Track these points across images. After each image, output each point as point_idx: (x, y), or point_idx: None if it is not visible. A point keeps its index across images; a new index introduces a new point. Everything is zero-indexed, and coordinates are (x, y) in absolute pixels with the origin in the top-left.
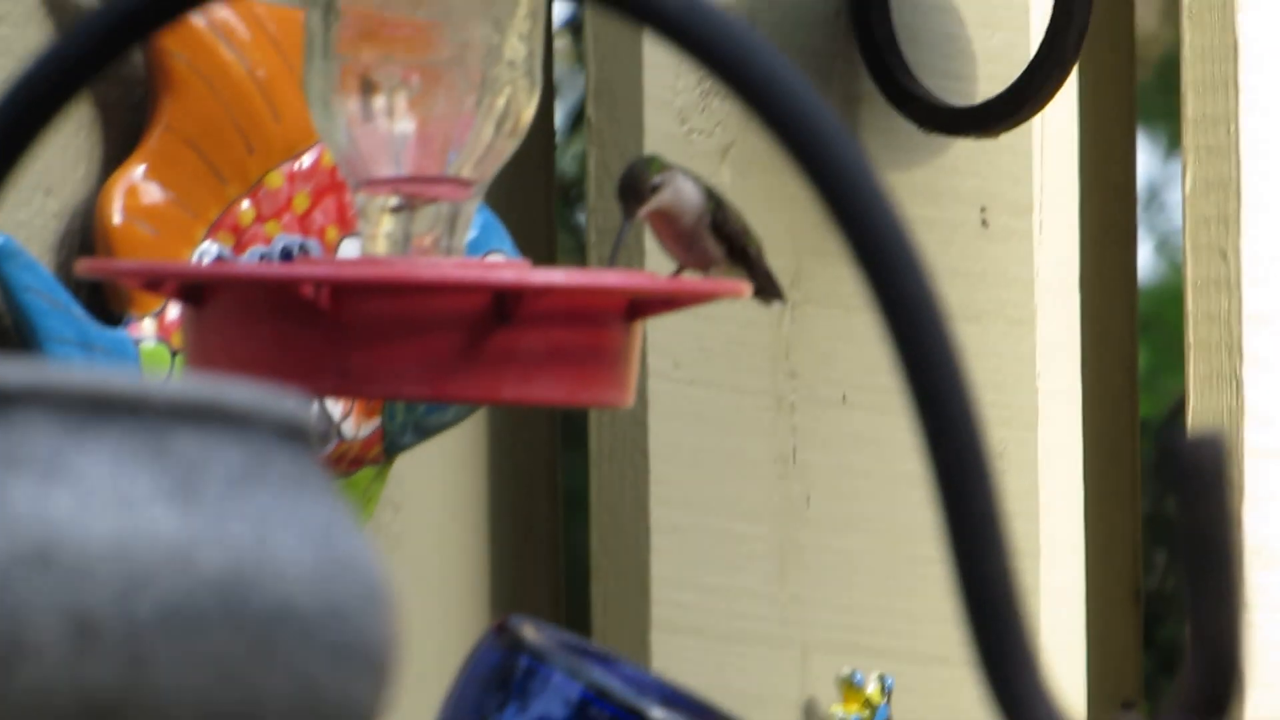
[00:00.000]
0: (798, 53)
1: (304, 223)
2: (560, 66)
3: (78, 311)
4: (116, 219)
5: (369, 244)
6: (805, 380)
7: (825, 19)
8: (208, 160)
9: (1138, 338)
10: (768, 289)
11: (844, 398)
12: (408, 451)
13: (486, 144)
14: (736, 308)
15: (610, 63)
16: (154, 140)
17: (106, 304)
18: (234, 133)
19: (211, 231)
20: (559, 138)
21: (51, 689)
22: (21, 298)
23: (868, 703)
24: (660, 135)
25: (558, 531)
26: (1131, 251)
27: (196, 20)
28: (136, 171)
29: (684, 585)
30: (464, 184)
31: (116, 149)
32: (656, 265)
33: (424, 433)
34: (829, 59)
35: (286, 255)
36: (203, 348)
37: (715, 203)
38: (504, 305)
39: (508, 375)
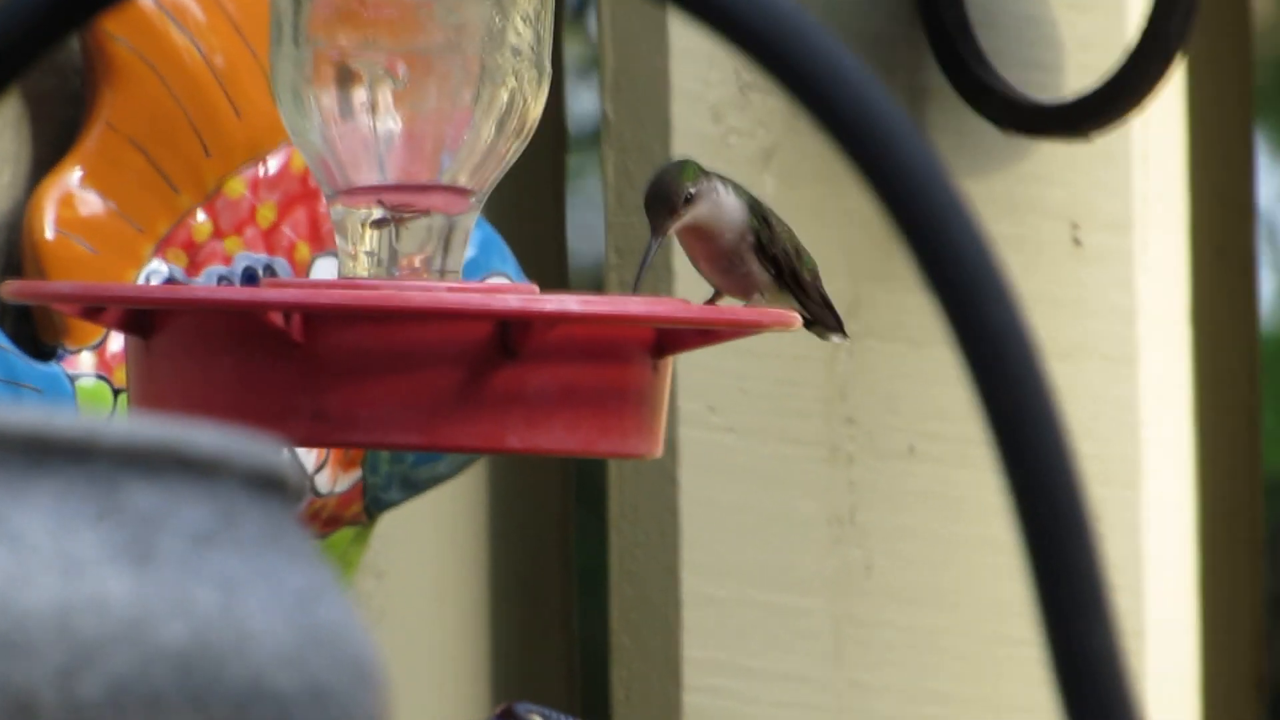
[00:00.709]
0: (855, 40)
1: (270, 238)
2: (573, 54)
3: (2, 343)
4: (48, 233)
5: (348, 264)
6: (865, 427)
7: (887, 1)
8: (156, 164)
9: (1259, 379)
10: (823, 320)
11: (910, 448)
12: (393, 510)
13: (486, 146)
14: (784, 343)
15: (630, 50)
16: (93, 140)
17: (37, 334)
18: (187, 131)
19: (161, 248)
20: (572, 139)
21: None
22: None
23: None
24: (691, 137)
25: (571, 605)
26: (1250, 276)
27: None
28: (72, 177)
29: (721, 669)
30: (460, 193)
31: (49, 150)
32: (689, 291)
33: (413, 488)
34: (891, 47)
35: (250, 277)
36: (152, 386)
37: (760, 218)
38: (508, 337)
39: (512, 420)
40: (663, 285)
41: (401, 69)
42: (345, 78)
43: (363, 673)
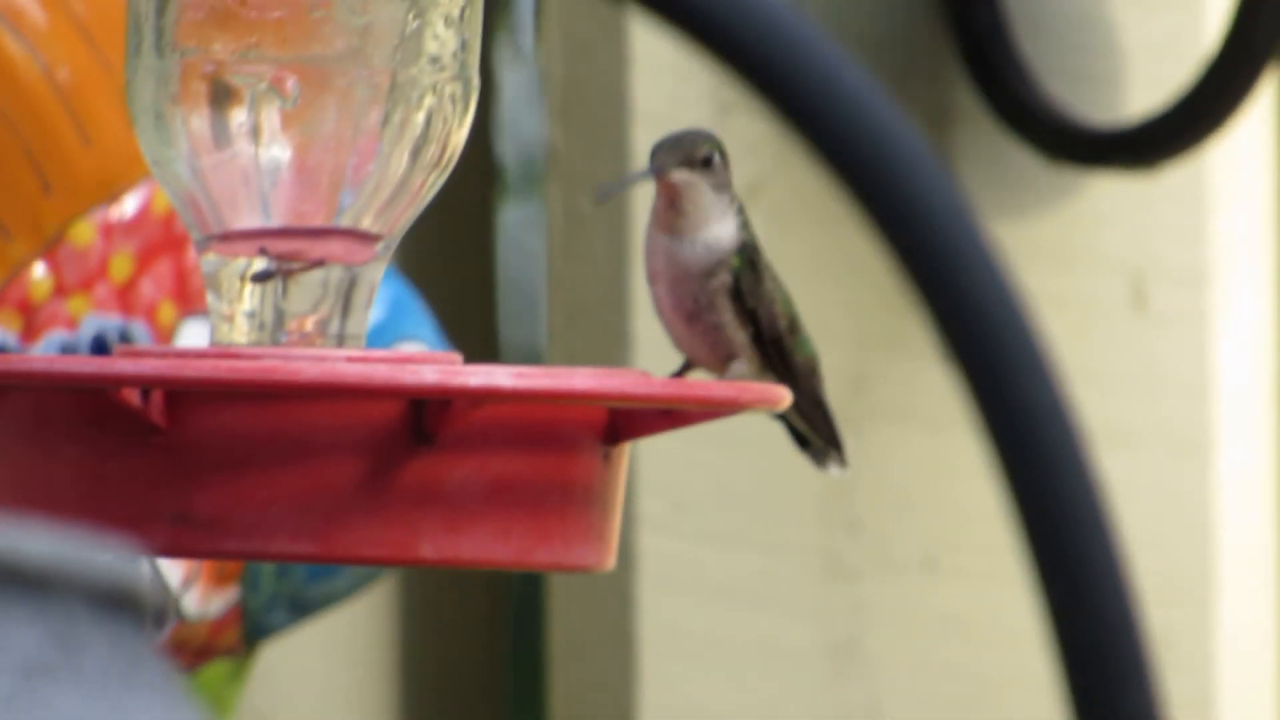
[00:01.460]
0: (863, 46)
1: (126, 297)
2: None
3: None
4: None
5: (223, 328)
6: (872, 534)
7: (906, 1)
8: None
9: None
10: (816, 426)
11: (928, 560)
12: (278, 639)
13: (398, 180)
14: (771, 429)
15: (583, 61)
16: None
17: None
18: (22, 162)
19: None
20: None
21: None
22: None
23: None
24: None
25: None
26: None
27: None
28: None
29: None
30: (364, 239)
31: None
32: (652, 362)
33: (303, 611)
34: (910, 54)
35: (100, 346)
36: None
37: (746, 260)
38: (423, 420)
39: (428, 524)
40: (617, 353)
41: (291, 84)
42: (221, 95)
43: None
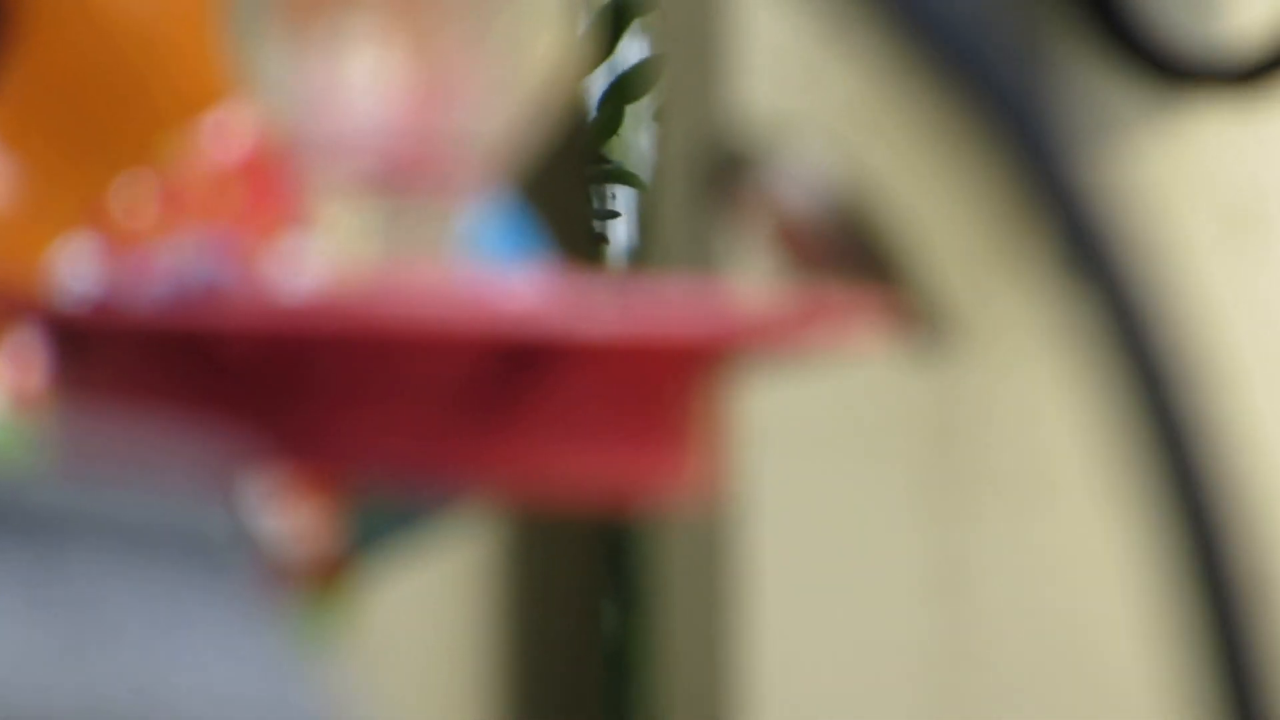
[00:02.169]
0: None
1: (226, 220)
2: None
3: None
4: None
5: (327, 254)
6: (978, 465)
7: None
8: (76, 121)
9: None
10: (924, 325)
11: (1037, 499)
12: (386, 569)
13: (503, 102)
14: (872, 360)
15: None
16: None
17: None
18: (116, 81)
19: (85, 228)
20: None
21: None
22: None
23: None
24: (761, 97)
25: (607, 684)
26: None
27: None
28: None
29: None
30: (470, 163)
31: None
32: (757, 282)
33: (408, 539)
34: None
35: (199, 273)
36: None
37: (849, 198)
38: (526, 350)
39: (533, 448)
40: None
41: (394, 7)
42: (318, 13)
43: None
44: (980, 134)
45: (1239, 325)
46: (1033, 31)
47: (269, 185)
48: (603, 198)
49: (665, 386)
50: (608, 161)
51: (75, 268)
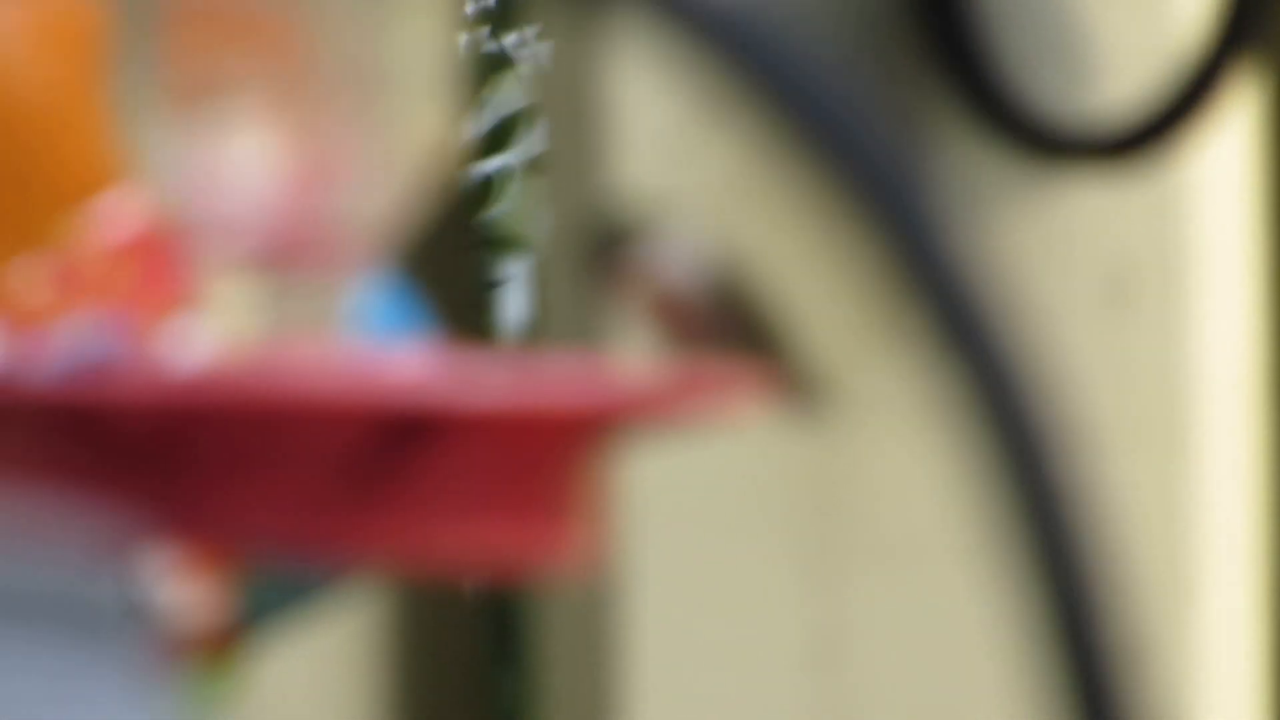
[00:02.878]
0: (840, 46)
1: (115, 300)
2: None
3: None
4: None
5: (214, 329)
6: (852, 530)
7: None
8: None
9: None
10: (797, 392)
11: (907, 555)
12: (270, 639)
13: (384, 185)
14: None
15: (569, 67)
16: None
17: None
18: (9, 169)
19: None
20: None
21: None
22: None
23: None
24: (637, 171)
25: None
26: None
27: None
28: None
29: None
30: (351, 242)
31: None
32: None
33: (290, 614)
34: (888, 56)
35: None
36: None
37: (724, 271)
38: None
39: (412, 522)
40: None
41: (275, 95)
42: (205, 103)
43: None
44: (853, 209)
45: (1110, 391)
46: (907, 106)
47: (160, 264)
48: (490, 266)
49: (547, 459)
50: (494, 228)
51: None
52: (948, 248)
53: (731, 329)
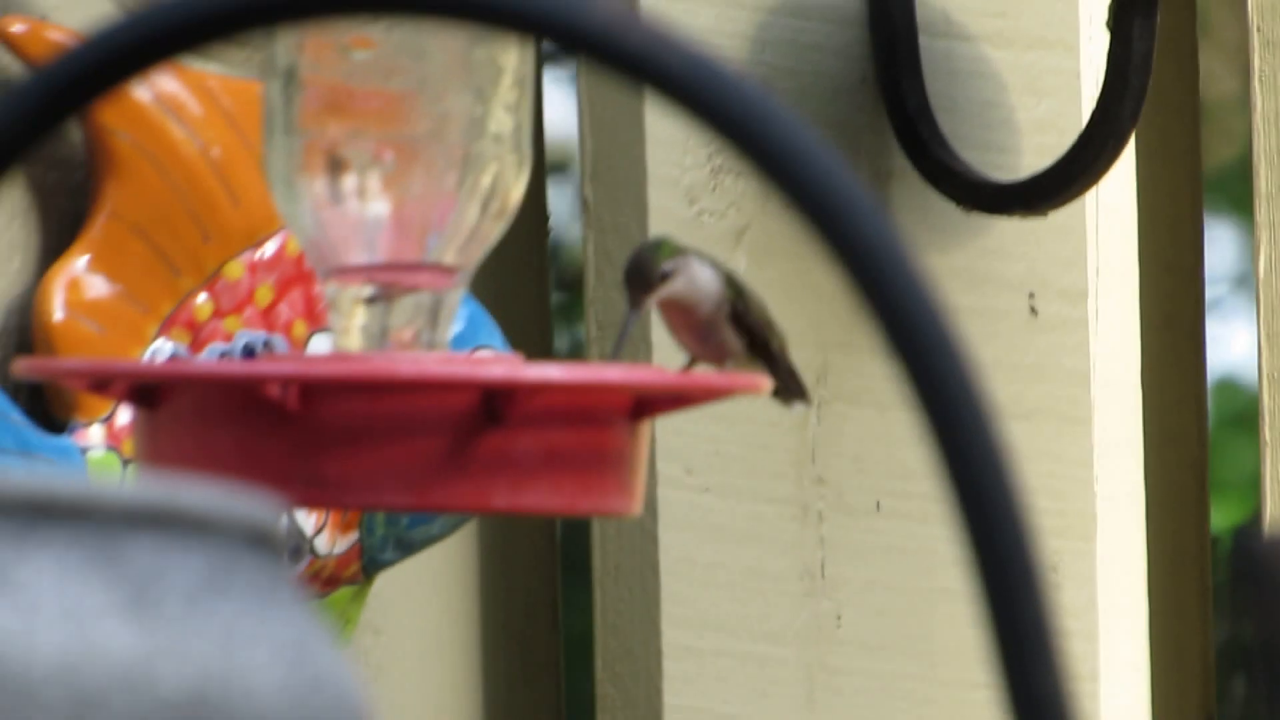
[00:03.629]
0: (820, 125)
1: (268, 317)
2: (558, 140)
3: (16, 417)
4: (58, 315)
5: (341, 339)
6: (834, 487)
7: (851, 87)
8: (158, 249)
9: (1208, 438)
10: (791, 387)
11: (877, 505)
12: (389, 570)
13: (471, 226)
14: (756, 408)
15: (608, 136)
16: (98, 228)
17: (49, 409)
18: (187, 219)
19: (164, 328)
20: (557, 221)
21: None
22: None
23: None
24: (666, 217)
25: (558, 658)
26: (1198, 341)
27: (141, 95)
28: (79, 263)
29: (701, 715)
30: (446, 271)
31: (56, 238)
32: (666, 360)
33: (407, 548)
34: (855, 131)
35: (249, 353)
36: (158, 455)
37: (735, 290)
38: (494, 405)
39: (499, 482)
40: (641, 355)
41: (388, 156)
42: (335, 165)
43: (354, 716)
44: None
45: (1026, 380)
46: (867, 164)
47: (301, 289)
48: (549, 293)
49: (604, 428)
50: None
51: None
52: (909, 262)
53: (742, 337)
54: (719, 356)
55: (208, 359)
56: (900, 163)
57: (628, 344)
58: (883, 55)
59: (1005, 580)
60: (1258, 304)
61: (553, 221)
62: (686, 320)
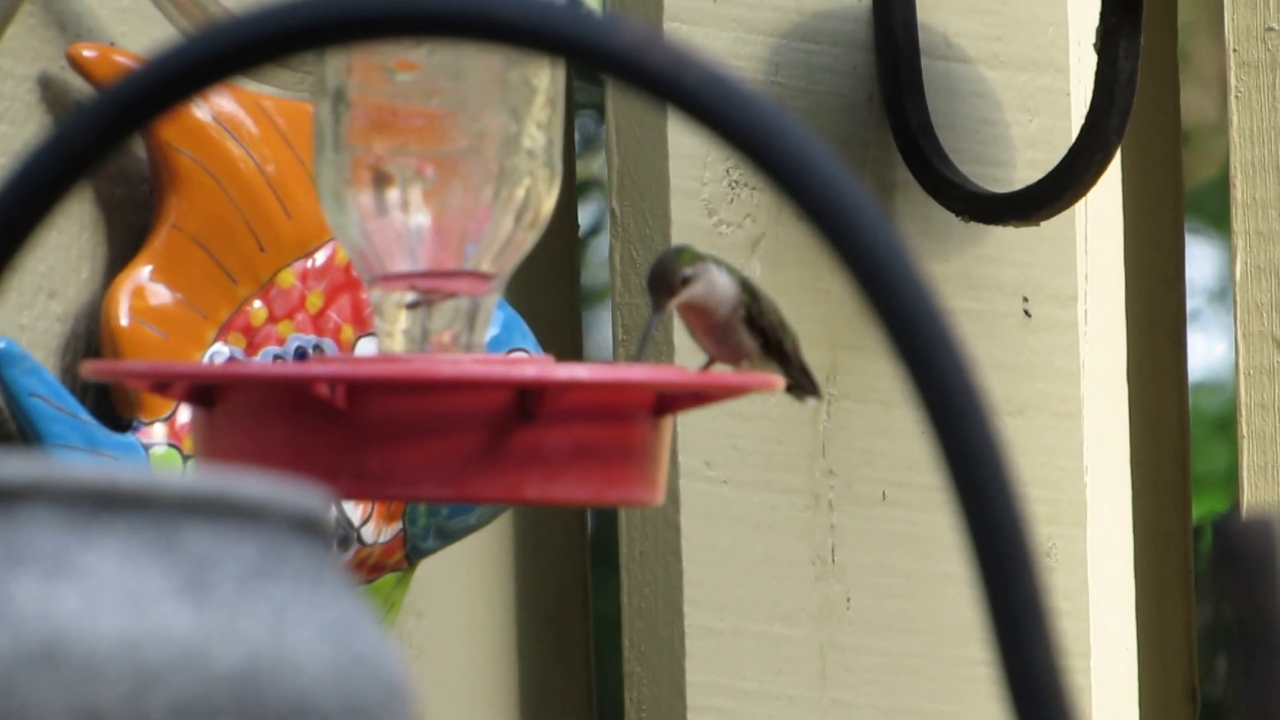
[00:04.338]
0: (830, 141)
1: (318, 322)
2: (583, 156)
3: (85, 417)
4: (123, 320)
5: (386, 341)
6: (843, 478)
7: (858, 105)
8: (217, 259)
9: (1189, 431)
10: (803, 385)
11: (884, 495)
12: (431, 557)
13: (506, 236)
14: (771, 404)
15: (634, 152)
16: (161, 240)
17: (114, 409)
18: (244, 230)
19: (222, 333)
20: (586, 231)
21: None
22: (25, 403)
23: None
24: (687, 228)
25: (588, 639)
26: (1180, 343)
27: (202, 115)
28: (143, 272)
29: (721, 691)
30: (483, 278)
31: (121, 249)
32: (686, 360)
33: (447, 537)
34: (862, 147)
35: (301, 355)
36: (215, 451)
37: (750, 294)
38: (527, 402)
39: (532, 474)
40: (664, 355)
41: (429, 171)
42: (380, 180)
43: (396, 692)
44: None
45: (1020, 378)
46: (872, 177)
47: (348, 295)
48: (577, 297)
49: (630, 422)
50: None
51: (217, 351)
52: (911, 268)
53: (757, 338)
54: (736, 356)
55: (262, 361)
56: (903, 175)
57: (651, 345)
58: (888, 76)
59: (1002, 564)
60: (1234, 305)
61: (582, 232)
62: (705, 323)
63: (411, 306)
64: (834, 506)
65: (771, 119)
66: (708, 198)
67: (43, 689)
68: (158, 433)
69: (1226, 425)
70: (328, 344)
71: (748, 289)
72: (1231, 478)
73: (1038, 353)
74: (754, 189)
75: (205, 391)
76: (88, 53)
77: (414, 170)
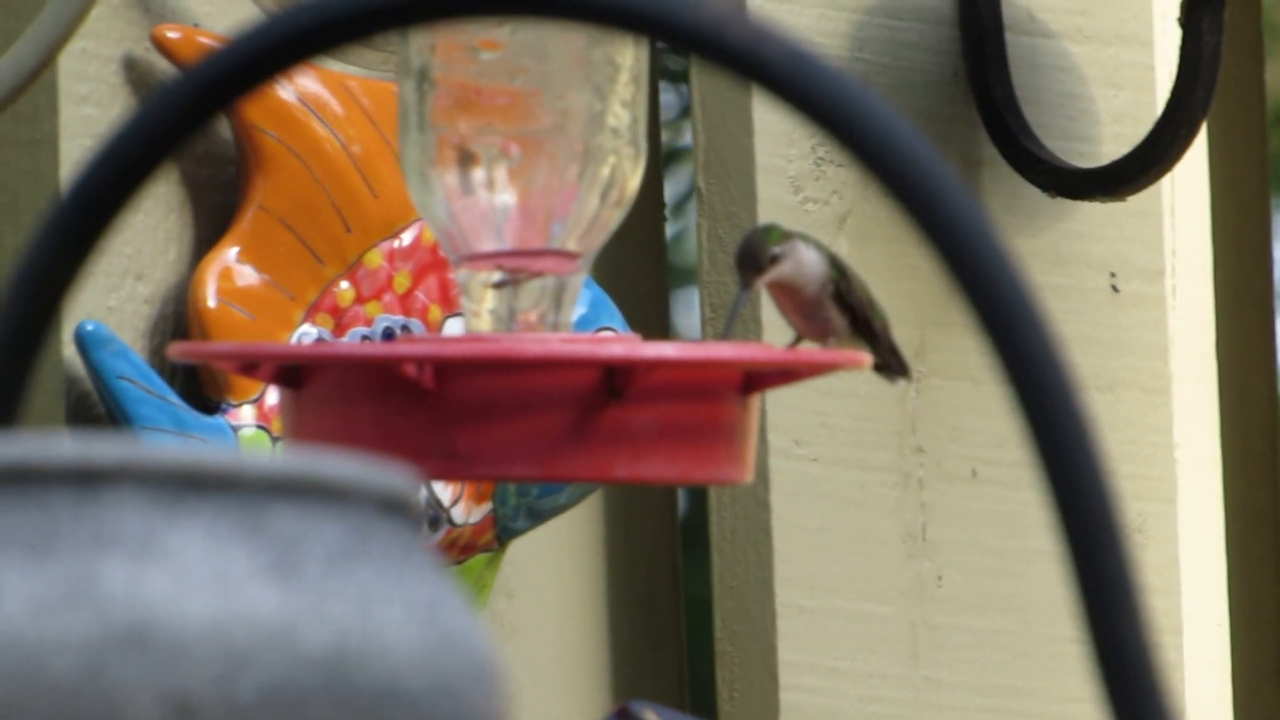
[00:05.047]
0: (915, 116)
1: (406, 302)
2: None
3: (173, 399)
4: (210, 302)
5: (473, 321)
6: (933, 455)
7: (942, 81)
8: (303, 240)
9: (1279, 405)
10: (892, 365)
11: (974, 472)
12: (521, 537)
13: (591, 215)
14: (859, 382)
15: (719, 129)
16: (247, 221)
17: (203, 391)
18: (330, 211)
19: (309, 314)
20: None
21: None
22: (114, 385)
23: None
24: (773, 204)
25: (680, 618)
26: (1269, 315)
27: (287, 96)
28: (230, 253)
29: (812, 669)
30: (569, 257)
31: (208, 231)
32: (773, 338)
33: (537, 517)
34: (947, 122)
35: (388, 336)
36: (303, 432)
37: (839, 271)
38: (614, 381)
39: (620, 453)
40: (751, 333)
41: (515, 150)
42: (465, 159)
43: (486, 672)
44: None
45: (1109, 354)
46: (960, 154)
47: (435, 274)
48: (665, 277)
49: (718, 401)
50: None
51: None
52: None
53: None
54: (824, 334)
55: (350, 342)
56: (989, 151)
57: (738, 323)
58: (972, 51)
59: (1092, 541)
60: None
61: (669, 210)
62: (793, 300)
63: (498, 286)
64: (924, 484)
65: (854, 95)
66: (794, 174)
67: (131, 672)
68: (246, 415)
69: None
70: (415, 324)
71: (836, 266)
72: None
73: (1126, 328)
74: (840, 165)
75: (293, 373)
76: (172, 34)
77: (499, 149)
